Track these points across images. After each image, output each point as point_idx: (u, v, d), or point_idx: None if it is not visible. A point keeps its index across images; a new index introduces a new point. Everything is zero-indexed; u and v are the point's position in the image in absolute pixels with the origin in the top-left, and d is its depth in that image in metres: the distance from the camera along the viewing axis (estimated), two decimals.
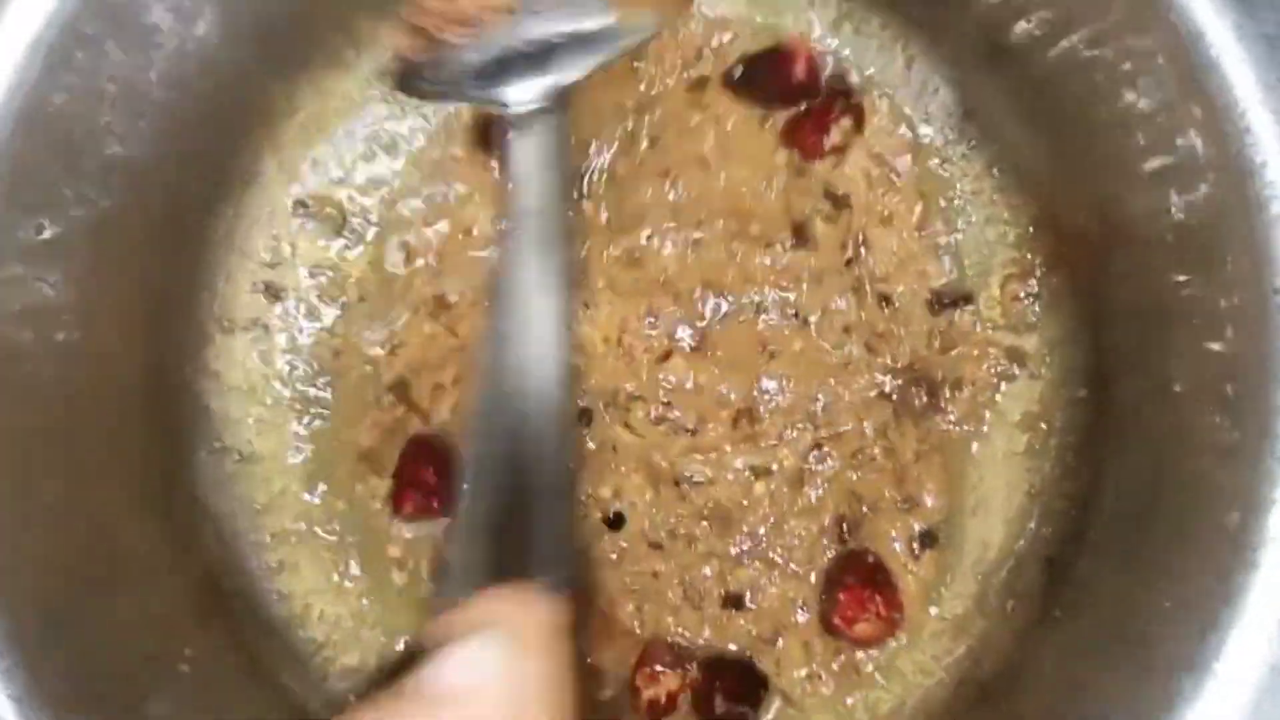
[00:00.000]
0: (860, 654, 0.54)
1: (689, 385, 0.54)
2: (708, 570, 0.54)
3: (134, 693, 0.44)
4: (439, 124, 0.56)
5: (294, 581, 0.54)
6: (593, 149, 0.55)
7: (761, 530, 0.54)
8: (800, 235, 0.55)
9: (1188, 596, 0.42)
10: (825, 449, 0.54)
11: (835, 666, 0.53)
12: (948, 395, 0.55)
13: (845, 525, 0.54)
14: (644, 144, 0.55)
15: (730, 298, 0.55)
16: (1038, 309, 0.55)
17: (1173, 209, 0.44)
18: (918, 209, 0.55)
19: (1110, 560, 0.49)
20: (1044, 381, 0.54)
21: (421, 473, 0.53)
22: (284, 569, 0.54)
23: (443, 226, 0.55)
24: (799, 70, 0.54)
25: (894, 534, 0.54)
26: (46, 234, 0.44)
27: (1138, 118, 0.45)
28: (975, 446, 0.55)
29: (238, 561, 0.54)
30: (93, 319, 0.47)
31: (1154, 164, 0.44)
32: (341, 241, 0.56)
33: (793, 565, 0.54)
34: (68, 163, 0.44)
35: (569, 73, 0.49)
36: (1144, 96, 0.44)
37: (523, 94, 0.48)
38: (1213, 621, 0.40)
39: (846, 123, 0.54)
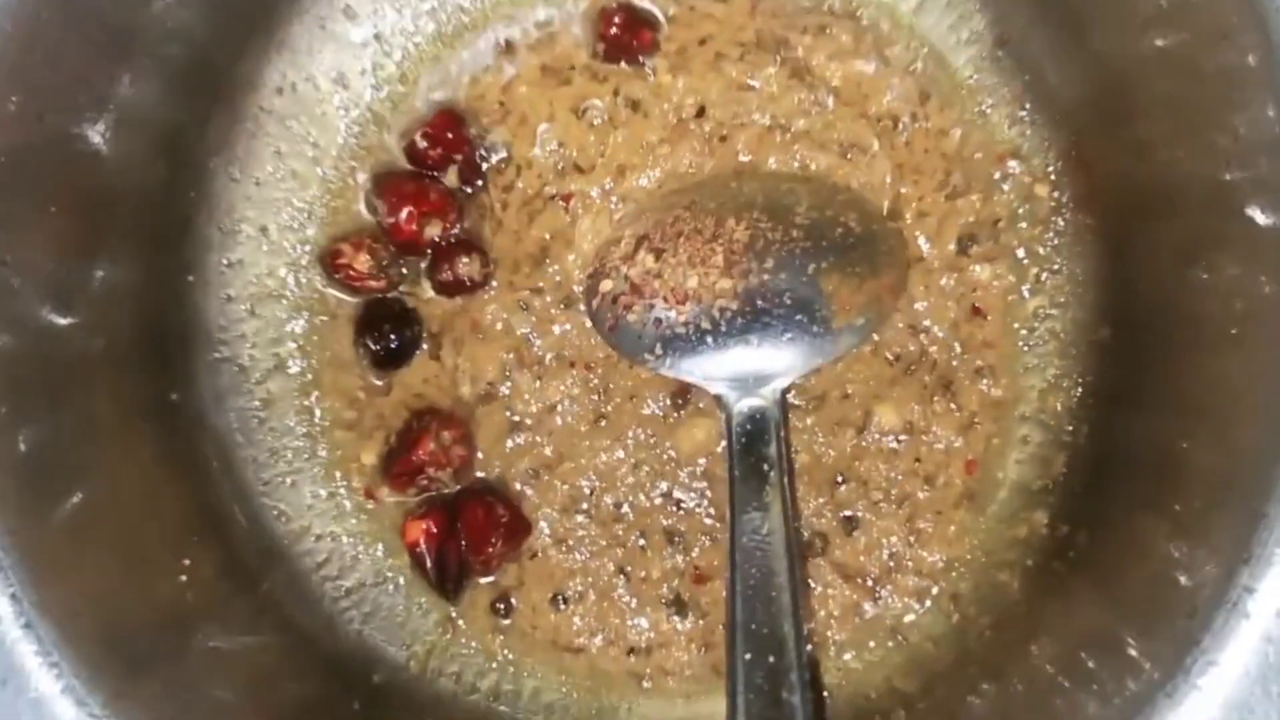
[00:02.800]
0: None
1: None
2: None
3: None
4: None
5: (292, 498, 0.53)
6: None
7: None
8: None
9: (1212, 538, 0.41)
10: None
11: None
12: None
13: None
14: None
15: None
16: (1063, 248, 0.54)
17: (1224, 145, 0.42)
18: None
19: (1127, 505, 0.48)
20: (1067, 320, 0.53)
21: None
22: (281, 485, 0.53)
23: None
24: None
25: None
26: None
27: (1191, 51, 0.43)
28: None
29: (236, 478, 0.52)
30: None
31: (1208, 96, 0.43)
32: None
33: None
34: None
35: (784, 376, 0.49)
36: (1197, 26, 0.43)
37: (744, 390, 0.49)
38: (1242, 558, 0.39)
39: None
